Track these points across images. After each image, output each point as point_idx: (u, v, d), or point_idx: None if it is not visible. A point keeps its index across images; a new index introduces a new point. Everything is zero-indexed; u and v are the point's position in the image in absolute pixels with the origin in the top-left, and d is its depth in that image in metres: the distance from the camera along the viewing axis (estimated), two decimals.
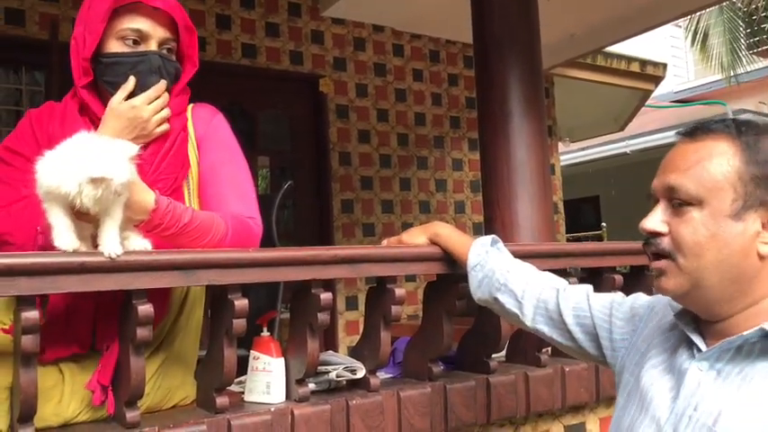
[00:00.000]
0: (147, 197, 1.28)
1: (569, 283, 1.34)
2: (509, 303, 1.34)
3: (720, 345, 0.91)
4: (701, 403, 0.90)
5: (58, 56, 2.93)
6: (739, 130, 0.91)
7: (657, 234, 0.96)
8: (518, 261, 1.41)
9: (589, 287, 1.29)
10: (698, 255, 0.91)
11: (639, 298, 1.19)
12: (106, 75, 1.42)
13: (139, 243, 1.28)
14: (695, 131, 0.95)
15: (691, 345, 0.97)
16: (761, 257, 0.89)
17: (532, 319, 1.30)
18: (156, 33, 1.43)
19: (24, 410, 1.14)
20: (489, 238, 1.46)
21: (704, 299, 0.94)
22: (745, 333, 0.88)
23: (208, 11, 3.95)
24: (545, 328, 1.29)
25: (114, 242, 1.18)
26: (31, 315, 1.09)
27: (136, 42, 1.42)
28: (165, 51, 1.45)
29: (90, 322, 1.37)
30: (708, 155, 0.91)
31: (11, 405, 1.22)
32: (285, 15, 4.24)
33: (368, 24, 4.53)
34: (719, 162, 0.90)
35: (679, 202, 0.93)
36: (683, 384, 0.94)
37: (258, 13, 4.14)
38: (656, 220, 0.96)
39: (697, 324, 0.98)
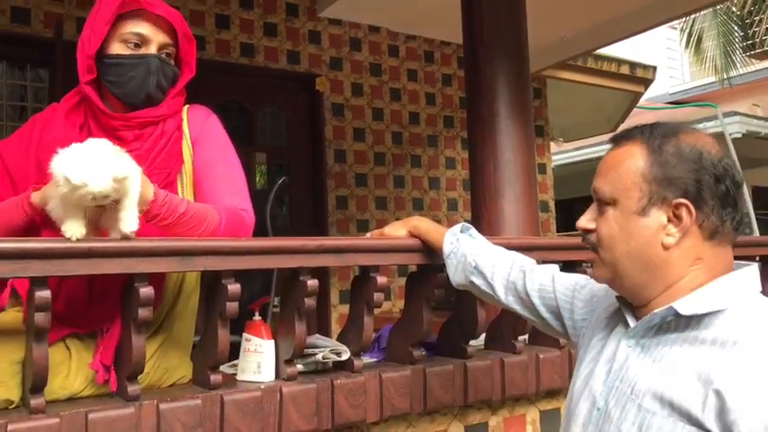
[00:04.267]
0: (147, 190, 1.39)
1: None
2: (483, 285, 1.46)
3: (642, 322, 1.03)
4: (626, 375, 1.02)
5: (62, 54, 3.02)
6: (651, 134, 1.03)
7: (587, 231, 1.10)
8: (488, 244, 1.51)
9: (555, 267, 1.40)
10: (611, 247, 1.05)
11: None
12: (108, 74, 1.54)
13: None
14: (618, 138, 1.08)
15: (626, 325, 1.08)
16: (665, 248, 1.01)
17: (505, 298, 1.42)
18: (156, 38, 1.55)
19: (36, 382, 1.25)
20: (459, 225, 1.56)
21: (626, 286, 1.07)
22: (656, 311, 1.00)
23: (207, 11, 4.06)
24: (517, 307, 1.41)
25: (132, 221, 1.28)
26: (44, 294, 1.20)
27: (137, 45, 1.54)
28: (163, 55, 1.57)
29: (84, 307, 1.48)
30: (621, 160, 1.05)
31: (23, 378, 1.34)
32: (283, 15, 4.34)
33: (364, 25, 4.63)
34: (629, 166, 1.03)
35: (601, 203, 1.07)
36: (615, 359, 1.06)
37: (257, 13, 4.24)
38: (586, 218, 1.10)
39: (633, 307, 1.10)
